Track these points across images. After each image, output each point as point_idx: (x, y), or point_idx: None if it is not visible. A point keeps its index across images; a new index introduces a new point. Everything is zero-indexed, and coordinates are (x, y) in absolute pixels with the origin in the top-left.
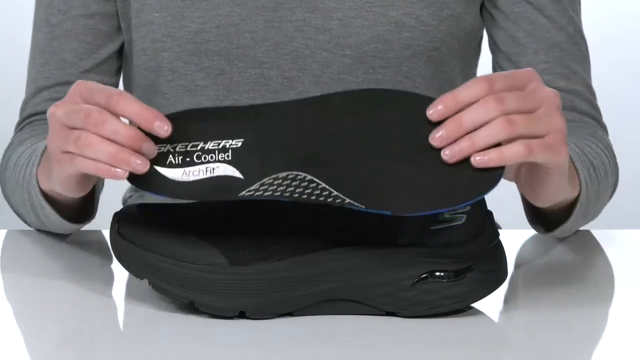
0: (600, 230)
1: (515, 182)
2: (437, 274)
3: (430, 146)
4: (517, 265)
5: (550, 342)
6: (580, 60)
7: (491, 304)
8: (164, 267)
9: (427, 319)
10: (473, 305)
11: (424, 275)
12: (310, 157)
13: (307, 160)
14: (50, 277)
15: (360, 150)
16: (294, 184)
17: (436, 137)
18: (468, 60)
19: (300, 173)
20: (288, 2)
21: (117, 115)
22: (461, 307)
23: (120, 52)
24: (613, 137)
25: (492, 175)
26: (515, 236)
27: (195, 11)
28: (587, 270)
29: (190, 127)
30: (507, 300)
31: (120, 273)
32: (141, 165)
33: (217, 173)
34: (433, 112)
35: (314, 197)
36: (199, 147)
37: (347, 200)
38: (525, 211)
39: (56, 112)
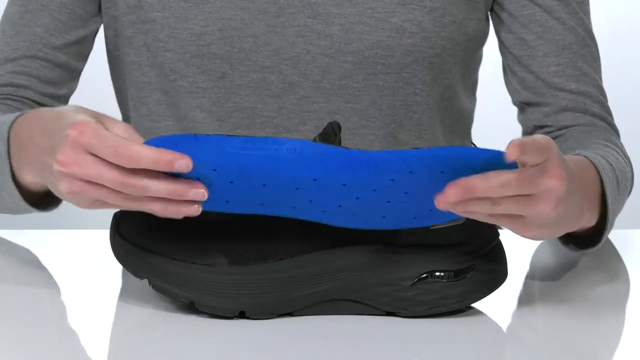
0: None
1: None
2: (437, 274)
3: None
4: (517, 265)
5: (550, 341)
6: (590, 61)
7: (491, 304)
8: (164, 267)
9: (427, 319)
10: (473, 305)
11: (424, 275)
12: None
13: None
14: (49, 277)
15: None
16: None
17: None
18: (469, 66)
19: None
20: (290, 7)
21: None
22: (461, 307)
23: (92, 40)
24: (625, 134)
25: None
26: (515, 236)
27: (198, 14)
28: (587, 269)
29: None
30: (508, 300)
31: (120, 273)
32: (196, 209)
33: None
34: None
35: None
36: None
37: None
38: None
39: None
